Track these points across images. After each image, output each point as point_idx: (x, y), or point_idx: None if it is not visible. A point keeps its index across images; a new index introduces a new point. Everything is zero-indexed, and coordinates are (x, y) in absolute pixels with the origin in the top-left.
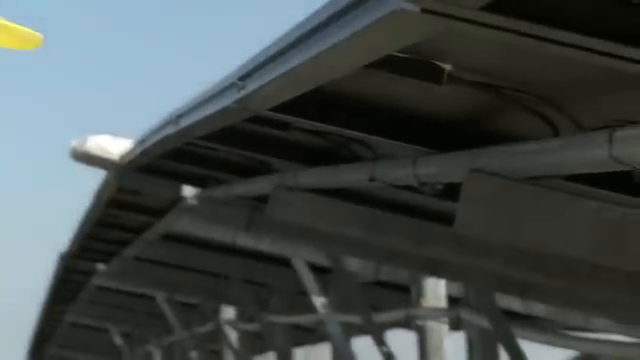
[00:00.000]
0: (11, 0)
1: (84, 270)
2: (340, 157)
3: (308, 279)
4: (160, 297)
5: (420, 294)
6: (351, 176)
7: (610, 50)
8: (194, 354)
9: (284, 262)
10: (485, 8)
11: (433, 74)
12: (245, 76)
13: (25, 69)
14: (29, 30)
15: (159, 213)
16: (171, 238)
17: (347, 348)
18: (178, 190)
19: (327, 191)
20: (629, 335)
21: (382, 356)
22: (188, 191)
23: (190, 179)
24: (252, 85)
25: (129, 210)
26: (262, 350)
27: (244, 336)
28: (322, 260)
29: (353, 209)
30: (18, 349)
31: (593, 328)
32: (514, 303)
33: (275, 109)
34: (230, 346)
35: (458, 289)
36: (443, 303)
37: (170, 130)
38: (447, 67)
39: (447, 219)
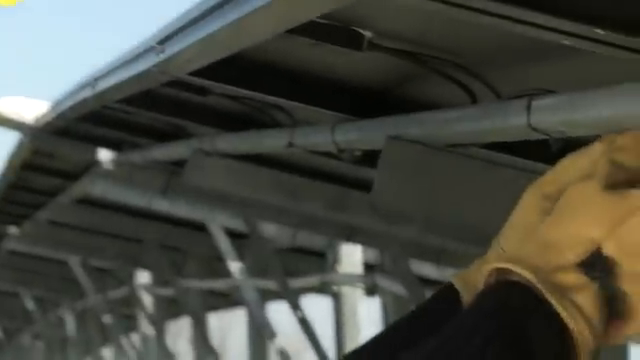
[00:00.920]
0: None
1: None
2: (259, 123)
3: (224, 244)
4: (73, 261)
5: (336, 260)
6: (269, 142)
7: (529, 19)
8: (108, 318)
9: (200, 227)
10: None
11: (353, 41)
12: (164, 40)
13: None
14: None
15: (74, 177)
16: (86, 202)
17: (262, 313)
18: (94, 153)
19: (245, 157)
20: None
21: (297, 321)
22: (104, 155)
23: (106, 143)
24: (171, 49)
25: (43, 173)
26: (177, 315)
27: (158, 301)
28: (238, 225)
29: (270, 175)
30: None
31: None
32: (429, 269)
33: (194, 74)
34: (144, 311)
35: (374, 255)
36: (359, 269)
37: (87, 93)
38: (368, 34)
39: (365, 186)
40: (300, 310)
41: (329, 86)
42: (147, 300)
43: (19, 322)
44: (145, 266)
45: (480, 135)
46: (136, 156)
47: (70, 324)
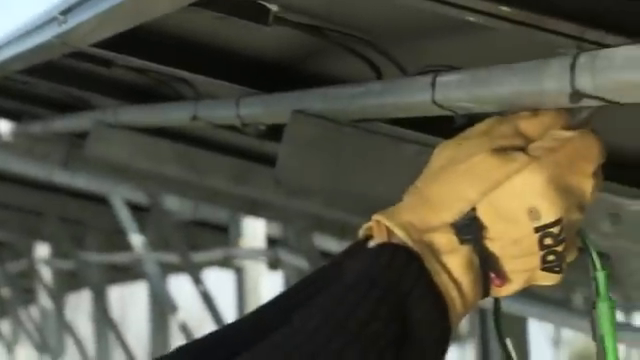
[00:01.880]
0: None
1: None
2: (163, 96)
3: (125, 217)
4: None
5: (238, 234)
6: (173, 115)
7: None
8: (6, 292)
9: (101, 200)
10: None
11: (259, 15)
12: (67, 10)
13: None
14: None
15: None
16: None
17: (163, 287)
18: None
19: (148, 129)
20: None
21: (199, 295)
22: (3, 126)
23: (6, 113)
24: (73, 20)
25: None
26: (76, 288)
27: (58, 274)
28: (140, 198)
29: (173, 147)
30: None
31: None
32: (332, 244)
33: (97, 45)
34: (43, 284)
35: (277, 229)
36: (261, 243)
37: None
38: (274, 8)
39: (269, 160)
40: (202, 284)
41: (234, 60)
42: (46, 273)
43: None
44: (44, 239)
45: (385, 110)
46: (36, 127)
47: None
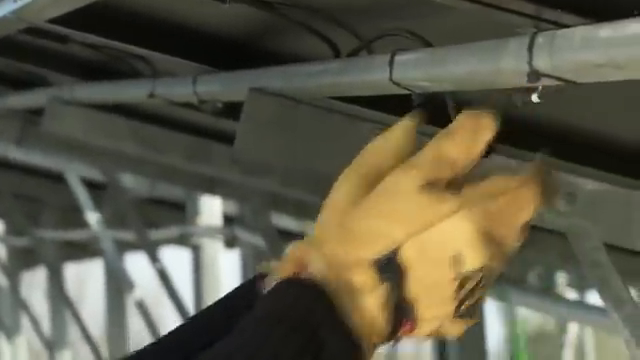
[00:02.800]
0: None
1: None
2: (119, 72)
3: (81, 194)
4: None
5: (195, 212)
6: (130, 92)
7: None
8: None
9: (56, 177)
10: None
11: None
12: None
13: None
14: None
15: None
16: None
17: (120, 265)
18: None
19: (104, 106)
20: None
21: (156, 273)
22: None
23: None
24: None
25: None
26: (32, 265)
27: (13, 251)
28: (96, 176)
29: (129, 125)
30: None
31: None
32: (289, 222)
33: (53, 21)
34: None
35: (234, 207)
36: (218, 221)
37: None
38: None
39: (226, 137)
40: (159, 262)
41: (191, 37)
42: (1, 251)
43: None
44: None
45: (343, 89)
46: None
47: None
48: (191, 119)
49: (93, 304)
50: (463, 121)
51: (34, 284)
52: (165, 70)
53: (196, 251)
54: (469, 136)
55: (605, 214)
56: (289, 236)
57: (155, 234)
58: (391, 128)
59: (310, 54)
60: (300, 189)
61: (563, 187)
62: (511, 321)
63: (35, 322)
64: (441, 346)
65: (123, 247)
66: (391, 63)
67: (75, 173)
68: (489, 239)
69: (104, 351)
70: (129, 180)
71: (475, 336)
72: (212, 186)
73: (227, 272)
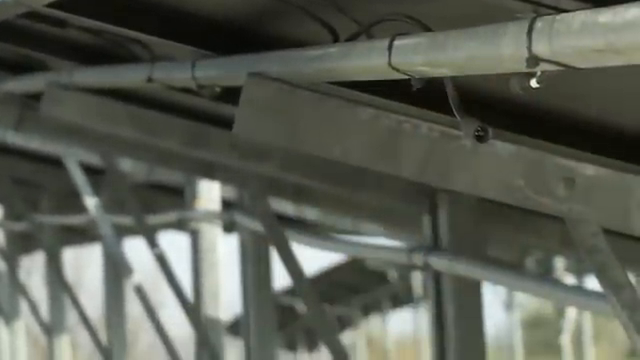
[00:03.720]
0: None
1: None
2: (118, 57)
3: (80, 179)
4: None
5: (194, 196)
6: (129, 76)
7: None
8: None
9: (55, 162)
10: None
11: None
12: None
13: None
14: None
15: None
16: None
17: (118, 249)
18: None
19: (103, 91)
20: (394, 239)
21: (154, 258)
22: None
23: None
24: None
25: None
26: (30, 250)
27: (11, 236)
28: (95, 160)
29: (128, 109)
30: None
31: (362, 232)
32: (287, 207)
33: (52, 5)
34: None
35: (232, 192)
36: (217, 206)
37: None
38: None
39: (224, 122)
40: (157, 246)
41: (190, 22)
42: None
43: None
44: None
45: (342, 74)
46: None
47: None
48: (189, 104)
49: (91, 289)
50: None
51: (33, 269)
52: (163, 55)
53: (194, 236)
54: None
55: (604, 199)
56: (287, 221)
57: (153, 219)
58: None
59: (309, 39)
60: (298, 174)
61: (562, 172)
62: (509, 306)
63: (33, 307)
64: (439, 331)
65: (121, 232)
66: (390, 48)
67: (74, 158)
68: None
69: (102, 335)
70: (127, 165)
71: (473, 321)
72: (210, 171)
73: (225, 257)
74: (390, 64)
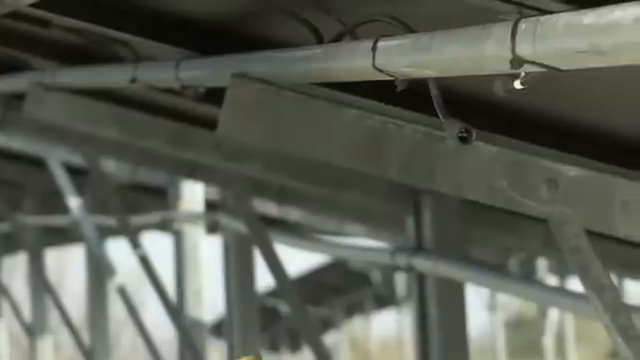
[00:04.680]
0: None
1: None
2: (101, 57)
3: (63, 180)
4: None
5: (177, 197)
6: (113, 77)
7: None
8: None
9: (38, 162)
10: None
11: None
12: None
13: None
14: None
15: None
16: None
17: (101, 250)
18: None
19: (86, 91)
20: (378, 240)
21: (137, 258)
22: None
23: None
24: None
25: None
26: (13, 251)
27: None
28: (78, 161)
29: (111, 110)
30: None
31: (346, 233)
32: (271, 208)
33: (35, 5)
34: None
35: (216, 193)
36: (200, 207)
37: None
38: None
39: (208, 123)
40: (140, 247)
41: (174, 22)
42: None
43: None
44: None
45: (325, 75)
46: None
47: None
48: (172, 104)
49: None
50: None
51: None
52: (148, 55)
53: (178, 237)
54: None
55: (586, 201)
56: (270, 222)
57: (136, 219)
58: None
59: (293, 40)
60: (282, 175)
61: (545, 174)
62: (492, 307)
63: (15, 307)
64: (423, 332)
65: (105, 232)
66: (374, 49)
67: (56, 158)
68: None
69: (85, 336)
70: (111, 165)
71: (456, 322)
72: (194, 172)
73: (209, 257)
74: (374, 65)
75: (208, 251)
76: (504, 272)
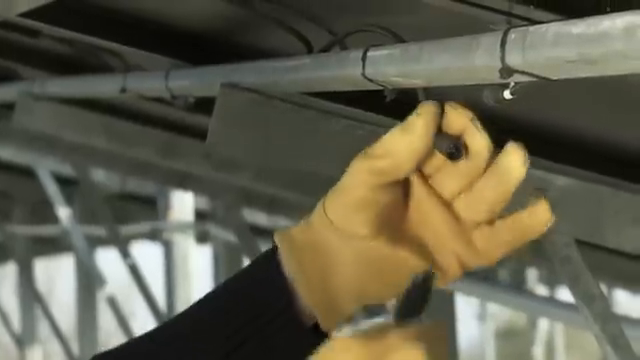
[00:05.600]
0: None
1: None
2: (91, 67)
3: (52, 190)
4: None
5: (167, 207)
6: (102, 87)
7: None
8: None
9: (27, 172)
10: None
11: None
12: None
13: None
14: None
15: None
16: None
17: (91, 260)
18: None
19: (76, 101)
20: None
21: (127, 268)
22: None
23: None
24: None
25: None
26: (2, 261)
27: None
28: (67, 171)
29: (101, 120)
30: None
31: None
32: (261, 218)
33: (25, 15)
34: None
35: (205, 203)
36: (190, 217)
37: None
38: None
39: (198, 133)
40: (130, 257)
41: (164, 32)
42: None
43: None
44: None
45: (315, 84)
46: None
47: None
48: (162, 114)
49: (63, 300)
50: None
51: (4, 279)
52: (137, 65)
53: (167, 246)
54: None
55: (576, 211)
56: (260, 232)
57: (126, 229)
58: (410, 121)
59: (283, 49)
60: (272, 185)
61: (534, 183)
62: (482, 317)
63: (4, 317)
64: None
65: (94, 242)
66: (364, 59)
67: (46, 168)
68: None
69: (74, 347)
70: (100, 175)
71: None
72: (184, 181)
73: (199, 268)
74: (364, 75)
75: (198, 261)
76: (494, 281)
